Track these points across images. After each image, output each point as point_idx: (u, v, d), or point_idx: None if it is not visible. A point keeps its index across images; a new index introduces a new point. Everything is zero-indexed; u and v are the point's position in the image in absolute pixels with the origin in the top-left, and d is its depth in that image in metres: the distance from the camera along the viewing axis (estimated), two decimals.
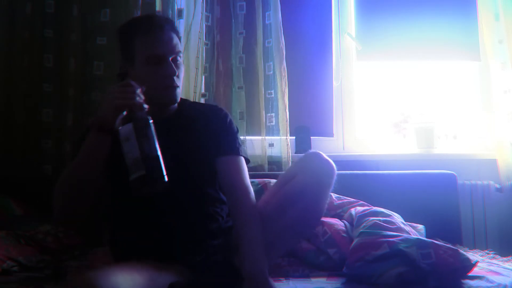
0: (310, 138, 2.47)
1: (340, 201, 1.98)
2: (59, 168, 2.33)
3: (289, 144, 2.38)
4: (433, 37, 2.58)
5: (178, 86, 1.47)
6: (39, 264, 1.74)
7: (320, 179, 1.47)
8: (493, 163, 2.43)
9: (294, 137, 2.48)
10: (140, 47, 1.45)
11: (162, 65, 1.44)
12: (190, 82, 2.38)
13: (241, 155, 1.56)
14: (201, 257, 1.45)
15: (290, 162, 2.37)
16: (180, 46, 1.52)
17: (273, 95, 2.42)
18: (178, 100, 1.51)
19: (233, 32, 2.47)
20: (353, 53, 2.63)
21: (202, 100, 2.38)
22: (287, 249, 1.66)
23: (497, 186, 2.40)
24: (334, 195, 2.00)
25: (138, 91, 1.31)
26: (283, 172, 2.31)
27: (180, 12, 2.43)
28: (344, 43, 2.63)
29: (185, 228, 1.45)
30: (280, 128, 2.39)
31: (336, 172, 1.49)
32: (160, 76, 1.44)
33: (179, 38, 1.53)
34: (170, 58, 1.45)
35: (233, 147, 1.55)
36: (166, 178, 1.22)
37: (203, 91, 2.41)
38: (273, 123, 2.42)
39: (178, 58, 1.48)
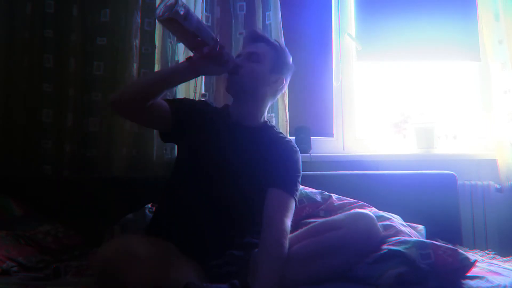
0: (310, 139, 2.47)
1: (340, 202, 1.98)
2: (59, 168, 2.33)
3: None
4: (433, 37, 2.58)
5: (237, 75, 1.64)
6: (39, 264, 1.74)
7: (366, 241, 1.45)
8: (493, 163, 2.42)
9: (294, 138, 2.48)
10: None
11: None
12: (190, 83, 2.38)
13: (294, 198, 1.58)
14: (218, 262, 1.49)
15: None
16: (258, 49, 1.71)
17: None
18: (233, 91, 1.70)
19: (233, 32, 2.47)
20: (353, 53, 2.62)
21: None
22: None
23: (497, 186, 2.39)
24: (334, 196, 2.00)
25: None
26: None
27: None
28: (344, 43, 2.63)
29: (216, 232, 1.53)
30: (280, 128, 2.39)
31: (381, 236, 1.51)
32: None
33: (278, 58, 1.75)
34: (245, 56, 1.69)
35: (290, 186, 1.59)
36: None
37: (203, 91, 2.41)
38: (273, 123, 2.41)
39: (252, 56, 1.69)
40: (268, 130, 1.74)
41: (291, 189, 1.58)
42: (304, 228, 1.60)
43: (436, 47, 2.59)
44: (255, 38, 1.76)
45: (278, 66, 1.73)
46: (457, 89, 2.70)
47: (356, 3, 2.63)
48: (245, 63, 1.66)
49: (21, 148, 2.32)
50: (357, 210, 1.59)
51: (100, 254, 1.27)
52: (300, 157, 1.70)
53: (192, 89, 2.36)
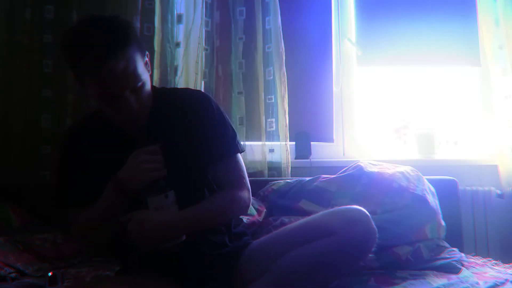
0: (310, 144, 2.47)
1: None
2: None
3: (288, 149, 2.37)
4: (433, 42, 2.58)
5: (137, 118, 1.32)
6: (38, 273, 1.72)
7: (363, 249, 1.33)
8: (494, 169, 2.41)
9: (294, 143, 2.47)
10: (88, 82, 1.25)
11: (117, 101, 1.26)
12: (189, 85, 2.38)
13: (235, 154, 1.44)
14: (196, 264, 1.39)
15: (290, 168, 2.36)
16: (138, 68, 1.26)
17: (273, 100, 2.41)
18: (141, 123, 1.35)
19: (232, 37, 2.46)
20: (353, 58, 2.62)
21: None
22: None
23: (498, 192, 2.38)
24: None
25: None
26: (280, 179, 2.29)
27: (179, 17, 2.43)
28: (344, 48, 2.62)
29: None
30: (280, 134, 2.38)
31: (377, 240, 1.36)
32: (117, 112, 1.29)
33: (139, 51, 1.29)
34: (127, 92, 1.26)
35: (224, 150, 1.43)
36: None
37: None
38: (273, 129, 2.41)
39: (138, 85, 1.27)
40: (164, 100, 1.42)
41: (227, 151, 1.42)
42: (291, 226, 1.45)
43: (437, 53, 2.59)
44: (104, 58, 1.24)
45: (142, 51, 1.34)
46: (457, 94, 2.69)
47: (356, 8, 2.63)
48: (134, 100, 1.31)
49: (19, 153, 2.31)
50: (350, 206, 1.39)
51: None
52: (213, 101, 1.45)
53: None
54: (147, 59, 1.34)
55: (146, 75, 1.32)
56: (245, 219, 1.82)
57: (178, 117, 1.41)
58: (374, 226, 1.33)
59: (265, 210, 2.02)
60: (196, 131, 1.40)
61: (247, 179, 1.46)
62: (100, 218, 1.34)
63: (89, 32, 1.23)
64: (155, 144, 1.30)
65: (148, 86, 1.33)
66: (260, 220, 1.97)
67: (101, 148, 1.39)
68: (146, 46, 2.37)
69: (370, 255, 1.37)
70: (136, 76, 1.26)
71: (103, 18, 1.28)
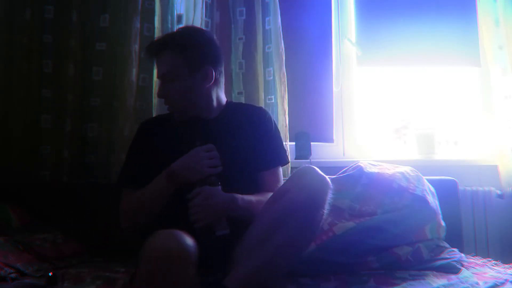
0: (310, 144, 2.46)
1: None
2: (58, 174, 2.32)
3: (288, 149, 2.37)
4: (433, 42, 2.58)
5: (171, 106, 1.63)
6: (38, 273, 1.72)
7: (313, 196, 1.36)
8: (494, 169, 2.41)
9: (294, 143, 2.47)
10: (215, 69, 1.64)
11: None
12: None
13: (280, 165, 1.70)
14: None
15: (290, 168, 2.36)
16: (165, 65, 1.59)
17: (273, 101, 2.41)
18: (183, 118, 1.63)
19: (232, 37, 2.46)
20: (353, 58, 2.62)
21: None
22: (280, 271, 1.40)
23: (498, 192, 2.38)
24: None
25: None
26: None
27: (179, 17, 2.43)
28: (344, 49, 2.62)
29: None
30: (280, 133, 2.38)
31: (331, 188, 1.40)
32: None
33: (190, 57, 1.58)
34: (160, 79, 1.61)
35: (276, 159, 1.68)
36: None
37: None
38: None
39: (169, 78, 1.58)
40: (231, 107, 1.71)
41: (277, 161, 1.68)
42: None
43: (436, 53, 2.59)
44: (158, 50, 1.62)
45: (195, 64, 1.59)
46: (457, 94, 2.69)
47: (356, 9, 2.63)
48: (165, 89, 1.60)
49: (19, 154, 2.30)
50: (302, 166, 1.48)
51: (149, 248, 1.17)
52: (271, 118, 1.75)
53: None
54: None
55: None
56: None
57: (239, 125, 1.65)
58: (323, 174, 1.41)
59: None
60: (253, 141, 1.63)
61: None
62: (149, 199, 1.54)
63: None
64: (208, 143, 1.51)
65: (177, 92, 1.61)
66: None
67: (165, 140, 1.64)
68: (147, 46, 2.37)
69: (326, 203, 1.39)
70: None
71: None
